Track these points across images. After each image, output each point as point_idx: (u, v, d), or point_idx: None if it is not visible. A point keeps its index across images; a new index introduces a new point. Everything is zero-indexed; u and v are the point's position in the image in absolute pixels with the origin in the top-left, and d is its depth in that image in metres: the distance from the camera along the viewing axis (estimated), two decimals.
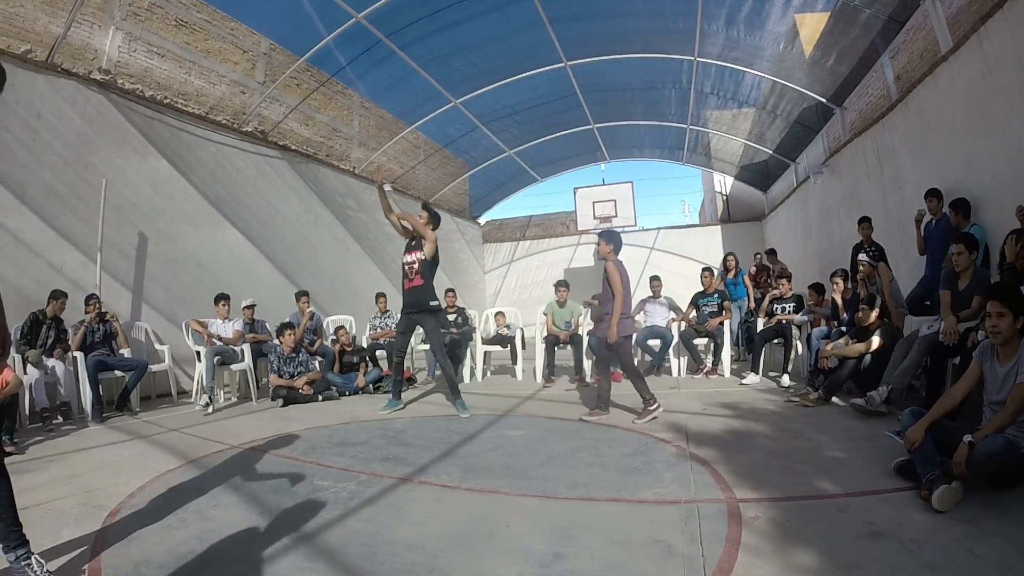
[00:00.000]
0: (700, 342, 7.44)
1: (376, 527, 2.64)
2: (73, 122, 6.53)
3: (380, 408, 5.82)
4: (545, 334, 7.61)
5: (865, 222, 6.99)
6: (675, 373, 7.39)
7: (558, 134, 14.22)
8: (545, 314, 7.74)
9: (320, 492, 3.18)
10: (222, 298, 7.19)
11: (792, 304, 7.14)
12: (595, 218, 15.55)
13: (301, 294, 7.84)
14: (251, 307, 7.48)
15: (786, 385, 6.15)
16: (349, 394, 7.01)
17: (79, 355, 5.88)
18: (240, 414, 6.05)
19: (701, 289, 7.87)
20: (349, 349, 7.50)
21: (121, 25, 7.05)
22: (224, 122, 8.71)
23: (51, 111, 6.30)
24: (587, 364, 7.32)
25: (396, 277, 11.32)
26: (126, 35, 7.14)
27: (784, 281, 7.35)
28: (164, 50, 7.64)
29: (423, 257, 5.65)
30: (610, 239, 5.26)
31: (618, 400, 5.46)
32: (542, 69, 10.79)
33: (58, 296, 5.89)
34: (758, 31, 8.77)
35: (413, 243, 5.79)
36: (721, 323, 7.37)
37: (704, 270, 8.11)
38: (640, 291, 8.56)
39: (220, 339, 6.93)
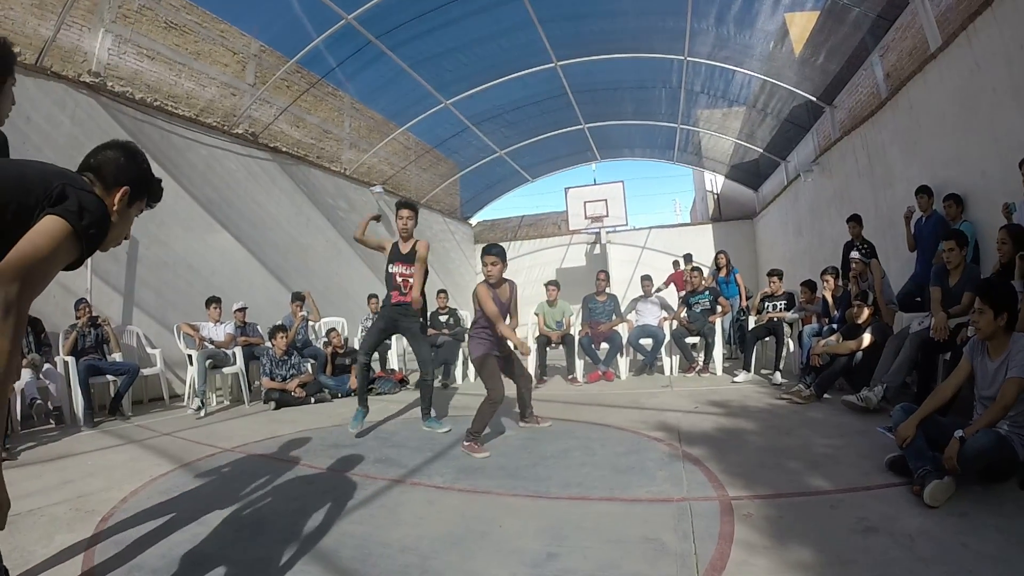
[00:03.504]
0: (692, 340, 7.47)
1: (369, 529, 2.63)
2: (63, 125, 6.46)
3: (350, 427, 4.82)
4: (537, 334, 7.60)
5: (854, 220, 7.02)
6: (667, 372, 7.39)
7: (549, 134, 14.22)
8: (536, 314, 7.72)
9: (313, 494, 3.18)
10: (213, 301, 7.14)
11: (783, 302, 7.19)
12: (586, 218, 15.61)
13: (297, 296, 7.82)
14: (242, 310, 7.43)
15: (778, 382, 6.17)
16: (341, 396, 6.98)
17: (70, 360, 5.83)
18: (232, 417, 6.02)
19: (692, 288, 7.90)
20: (341, 351, 7.48)
21: (111, 27, 7.00)
22: (214, 124, 8.66)
23: (40, 114, 6.23)
24: (579, 364, 7.33)
25: None
26: (116, 37, 7.09)
27: (775, 279, 7.39)
28: (154, 52, 7.59)
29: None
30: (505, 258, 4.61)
31: (613, 401, 5.46)
32: (532, 69, 10.78)
33: None
34: (748, 30, 8.81)
35: (407, 254, 4.97)
36: (725, 312, 7.55)
37: (693, 270, 8.14)
38: (632, 290, 8.57)
39: (212, 342, 6.89)
